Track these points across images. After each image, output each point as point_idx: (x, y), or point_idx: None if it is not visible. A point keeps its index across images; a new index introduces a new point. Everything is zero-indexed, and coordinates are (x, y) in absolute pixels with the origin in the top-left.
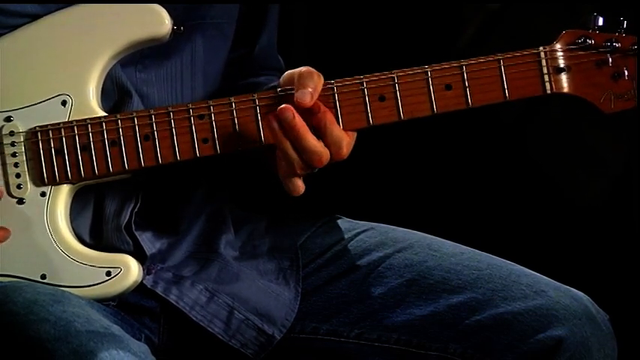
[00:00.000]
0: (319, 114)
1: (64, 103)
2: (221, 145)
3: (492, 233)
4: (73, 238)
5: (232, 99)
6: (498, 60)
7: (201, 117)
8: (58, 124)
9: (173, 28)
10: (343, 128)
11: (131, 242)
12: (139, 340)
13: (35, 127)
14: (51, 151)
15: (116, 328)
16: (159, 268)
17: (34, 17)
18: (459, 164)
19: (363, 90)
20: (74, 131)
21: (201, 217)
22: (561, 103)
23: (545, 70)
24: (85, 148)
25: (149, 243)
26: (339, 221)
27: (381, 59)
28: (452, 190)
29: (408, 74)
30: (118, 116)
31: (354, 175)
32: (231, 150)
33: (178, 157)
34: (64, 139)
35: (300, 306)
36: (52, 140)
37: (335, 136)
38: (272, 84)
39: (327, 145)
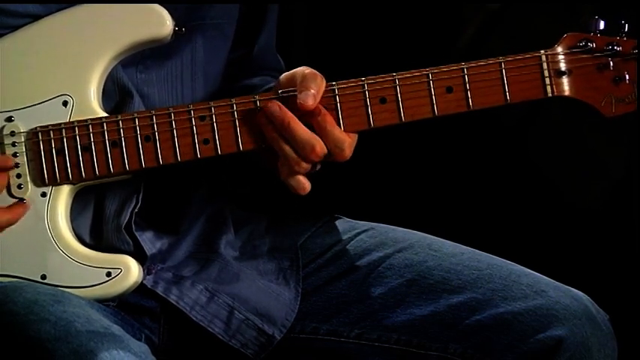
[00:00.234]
0: (319, 116)
1: (65, 103)
2: (222, 147)
3: (492, 233)
4: (73, 238)
5: (233, 100)
6: (499, 63)
7: (202, 118)
8: (59, 124)
9: (174, 29)
10: (344, 130)
11: (131, 242)
12: (139, 340)
13: (36, 128)
14: (52, 152)
15: (116, 328)
16: (159, 268)
17: (36, 17)
18: (460, 166)
19: (365, 92)
20: (75, 132)
21: (201, 218)
22: (562, 106)
23: (546, 74)
24: (86, 149)
25: (149, 243)
26: (339, 221)
27: (381, 59)
28: (453, 191)
29: (410, 76)
30: (119, 117)
31: (354, 175)
32: (232, 151)
33: (179, 158)
34: (64, 139)
35: (301, 306)
36: (53, 140)
37: (336, 138)
38: (268, 86)
39: (328, 147)
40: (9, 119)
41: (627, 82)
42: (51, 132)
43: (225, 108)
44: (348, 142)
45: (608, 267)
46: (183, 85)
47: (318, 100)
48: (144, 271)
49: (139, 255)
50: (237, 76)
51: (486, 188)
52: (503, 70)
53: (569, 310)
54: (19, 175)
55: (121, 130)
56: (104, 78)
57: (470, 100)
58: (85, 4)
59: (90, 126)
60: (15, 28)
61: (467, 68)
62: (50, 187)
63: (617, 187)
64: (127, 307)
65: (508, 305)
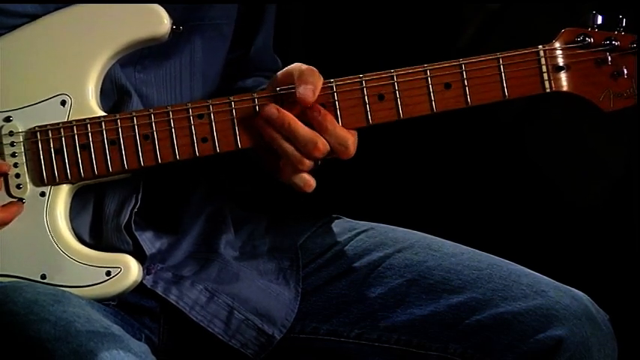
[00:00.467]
0: (320, 116)
1: (63, 103)
2: (221, 145)
3: (492, 233)
4: (72, 237)
5: (232, 98)
6: (497, 59)
7: (200, 116)
8: (58, 124)
9: (172, 28)
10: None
11: (131, 242)
12: (139, 340)
13: (34, 127)
14: (50, 151)
15: (116, 328)
16: (159, 268)
17: (34, 17)
18: (460, 164)
19: (363, 89)
20: (73, 131)
21: (201, 217)
22: (561, 104)
23: (544, 69)
24: (85, 148)
25: (149, 243)
26: (339, 221)
27: (380, 59)
28: (453, 191)
29: (408, 73)
30: (118, 116)
31: (354, 175)
32: (231, 149)
33: (178, 157)
34: (63, 139)
35: (300, 306)
36: (51, 140)
37: (339, 136)
38: (260, 88)
39: (331, 145)
40: (7, 119)
41: (625, 76)
42: (49, 131)
43: (224, 106)
44: (351, 139)
45: (608, 267)
46: (181, 85)
47: (317, 94)
48: (143, 270)
49: (139, 255)
50: (233, 77)
51: (486, 188)
52: (501, 66)
53: (569, 310)
54: (17, 175)
55: (120, 129)
56: (102, 77)
57: (468, 96)
58: (83, 4)
59: (88, 125)
60: (13, 28)
61: (465, 64)
62: (49, 187)
63: (617, 186)
64: (127, 307)
65: (508, 305)
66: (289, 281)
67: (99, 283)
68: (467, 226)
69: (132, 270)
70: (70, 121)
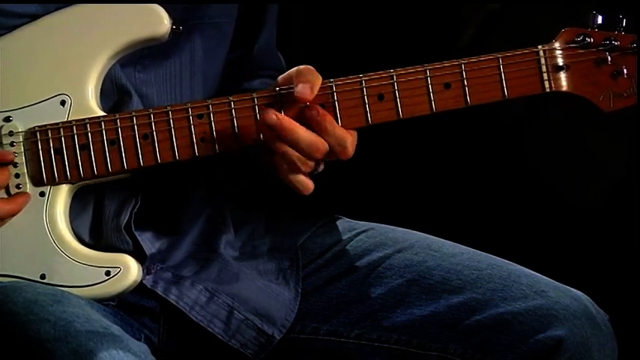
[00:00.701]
0: (319, 117)
1: (62, 103)
2: (220, 145)
3: (492, 233)
4: (72, 237)
5: (231, 98)
6: (497, 58)
7: (200, 116)
8: (57, 124)
9: (172, 28)
10: (342, 127)
11: (131, 242)
12: (139, 340)
13: (34, 127)
14: (50, 151)
15: (116, 328)
16: (158, 268)
17: (34, 17)
18: (459, 165)
19: (362, 89)
20: (73, 131)
21: (201, 217)
22: (561, 104)
23: (544, 69)
24: (84, 148)
25: (149, 243)
26: (339, 221)
27: (380, 59)
28: (452, 191)
29: (407, 73)
30: (117, 116)
31: (354, 175)
32: (231, 149)
33: (177, 157)
34: (63, 139)
35: (300, 306)
36: (51, 140)
37: (338, 136)
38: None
39: (330, 146)
40: (7, 119)
41: (625, 76)
42: (49, 131)
43: (224, 106)
44: (350, 139)
45: (608, 267)
46: (181, 84)
47: (315, 92)
48: (143, 271)
49: (139, 255)
50: (237, 77)
51: (486, 188)
52: (501, 66)
53: (569, 310)
54: (17, 175)
55: (119, 129)
56: (102, 77)
57: (468, 96)
58: (83, 4)
59: (88, 125)
60: (13, 28)
61: (465, 64)
62: (49, 187)
63: (617, 186)
64: (127, 307)
65: (508, 305)
66: (289, 281)
67: (98, 283)
68: (467, 226)
69: (131, 270)
70: (70, 121)
